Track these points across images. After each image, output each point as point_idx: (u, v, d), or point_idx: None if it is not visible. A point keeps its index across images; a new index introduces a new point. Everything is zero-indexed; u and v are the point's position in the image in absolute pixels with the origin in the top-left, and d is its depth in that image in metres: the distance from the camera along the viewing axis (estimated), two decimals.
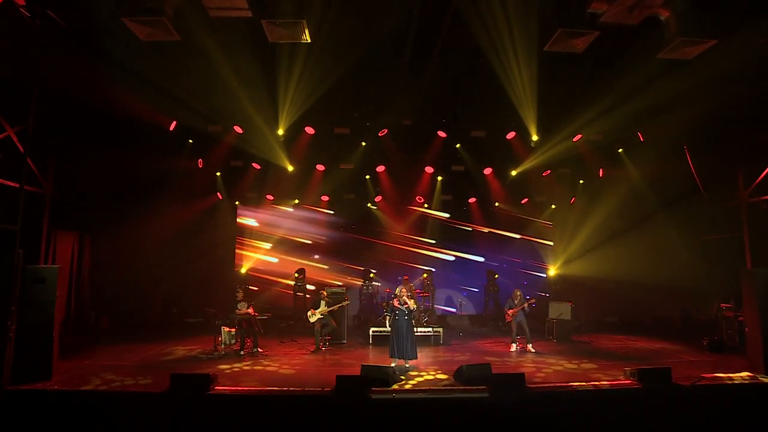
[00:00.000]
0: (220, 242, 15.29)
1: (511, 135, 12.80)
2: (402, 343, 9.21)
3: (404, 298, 9.47)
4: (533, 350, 10.88)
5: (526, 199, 15.85)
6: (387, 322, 9.54)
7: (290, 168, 13.71)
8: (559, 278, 15.91)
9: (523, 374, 7.51)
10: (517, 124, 12.09)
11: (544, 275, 16.32)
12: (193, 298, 14.30)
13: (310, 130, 12.77)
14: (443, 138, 13.16)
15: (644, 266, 14.03)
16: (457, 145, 13.30)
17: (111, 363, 9.25)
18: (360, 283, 14.95)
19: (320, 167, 14.36)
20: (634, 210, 14.15)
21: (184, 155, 13.11)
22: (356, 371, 7.80)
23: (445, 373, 8.69)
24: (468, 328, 14.76)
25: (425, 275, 14.74)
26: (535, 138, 12.34)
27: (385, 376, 7.75)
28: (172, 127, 12.06)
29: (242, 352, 10.22)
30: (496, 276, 15.65)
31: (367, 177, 14.87)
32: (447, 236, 16.35)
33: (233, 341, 10.83)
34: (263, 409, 7.02)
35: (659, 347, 11.31)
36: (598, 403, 7.36)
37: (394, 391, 7.43)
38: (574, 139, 12.63)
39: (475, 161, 13.57)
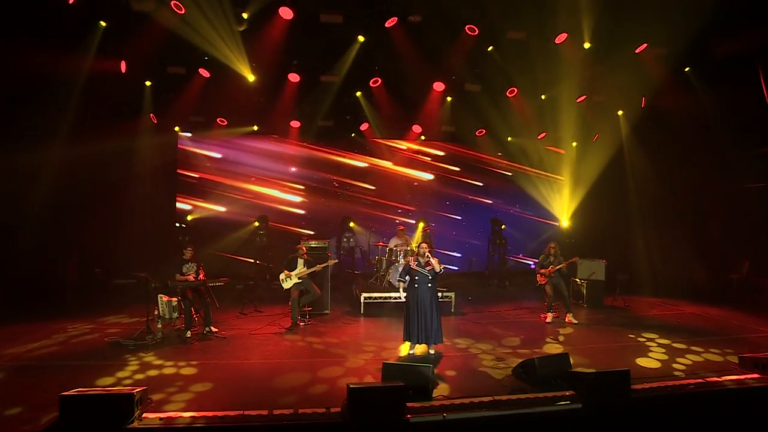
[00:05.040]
0: (155, 180, 12.03)
1: (561, 38, 9.55)
2: (427, 322, 6.62)
3: (427, 256, 6.67)
4: (575, 321, 8.58)
5: (543, 134, 13.09)
6: (401, 290, 6.76)
7: (251, 77, 9.98)
8: (573, 231, 13.56)
9: (627, 371, 5.01)
10: (568, 26, 9.00)
11: (555, 228, 13.89)
12: (122, 253, 11.28)
13: (286, 13, 8.89)
14: (472, 37, 9.66)
15: (664, 215, 12.03)
16: (489, 48, 9.96)
17: None
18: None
19: (294, 77, 10.66)
20: (671, 148, 11.71)
21: (95, 48, 8.97)
22: (361, 365, 5.78)
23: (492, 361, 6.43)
24: (470, 288, 12.21)
25: (422, 224, 11.93)
26: (587, 45, 9.37)
27: (424, 382, 4.98)
28: (71, 0, 7.90)
29: (188, 335, 7.16)
30: (503, 226, 13.09)
31: (359, 94, 11.46)
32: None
33: (175, 316, 7.70)
34: None
35: (716, 315, 9.30)
36: (723, 407, 5.18)
37: (444, 407, 4.63)
38: (637, 50, 9.73)
39: (503, 73, 10.32)
